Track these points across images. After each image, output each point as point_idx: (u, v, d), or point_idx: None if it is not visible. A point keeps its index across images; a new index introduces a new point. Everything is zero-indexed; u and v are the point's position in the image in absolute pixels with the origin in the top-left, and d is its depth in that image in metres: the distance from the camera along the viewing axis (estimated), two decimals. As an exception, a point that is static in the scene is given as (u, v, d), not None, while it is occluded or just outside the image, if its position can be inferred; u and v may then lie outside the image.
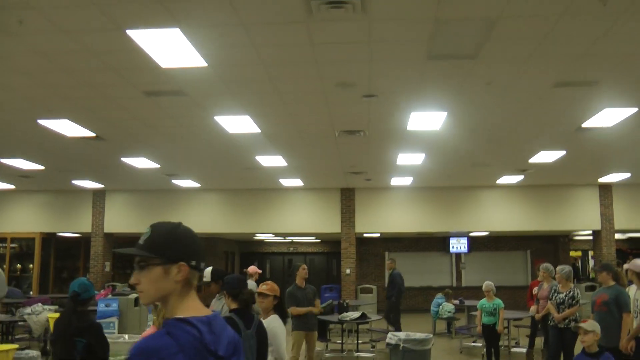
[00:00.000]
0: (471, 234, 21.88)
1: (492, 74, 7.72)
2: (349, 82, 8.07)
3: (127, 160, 13.53)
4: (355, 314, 12.09)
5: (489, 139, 11.52)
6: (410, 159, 13.44)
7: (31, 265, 18.92)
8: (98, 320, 10.29)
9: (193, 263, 2.02)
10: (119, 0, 5.56)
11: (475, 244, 23.99)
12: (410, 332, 8.42)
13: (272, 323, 5.14)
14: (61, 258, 21.17)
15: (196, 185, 17.57)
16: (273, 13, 5.87)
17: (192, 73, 7.56)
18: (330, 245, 25.97)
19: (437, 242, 24.08)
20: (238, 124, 10.18)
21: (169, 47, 6.66)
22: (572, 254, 25.48)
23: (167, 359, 1.82)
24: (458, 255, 24.17)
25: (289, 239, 26.71)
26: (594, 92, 8.50)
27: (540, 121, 10.17)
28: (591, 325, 5.73)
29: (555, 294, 9.22)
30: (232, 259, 27.23)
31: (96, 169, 14.93)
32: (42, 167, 14.48)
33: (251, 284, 12.82)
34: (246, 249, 28.54)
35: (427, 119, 9.97)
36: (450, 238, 23.55)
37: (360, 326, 14.85)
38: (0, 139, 11.50)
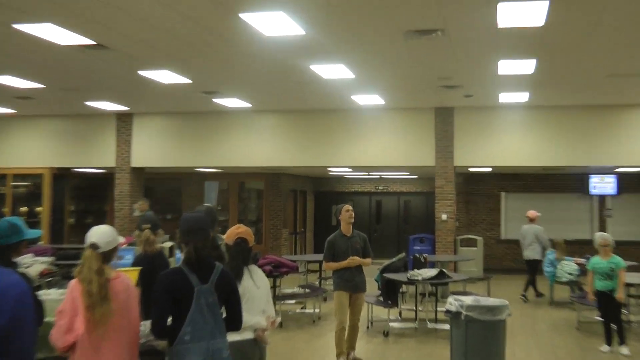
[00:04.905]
0: (619, 170, 21.16)
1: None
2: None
3: (146, 74, 13.83)
4: (430, 272, 12.08)
5: (618, 38, 10.98)
6: (516, 67, 13.02)
7: (40, 209, 19.84)
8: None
9: None
10: None
11: (626, 183, 23.27)
12: (482, 295, 8.37)
13: None
14: (83, 200, 22.08)
15: (246, 105, 17.79)
16: None
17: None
18: (431, 183, 25.81)
19: (573, 181, 23.60)
20: (272, 23, 10.14)
21: None
22: None
23: None
24: (602, 198, 23.58)
25: (375, 175, 26.79)
26: None
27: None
28: None
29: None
30: (303, 199, 27.64)
31: (112, 86, 15.40)
32: (42, 86, 15.05)
33: (535, 228, 16.44)
34: (322, 187, 28.88)
35: (523, 11, 9.57)
36: (591, 175, 22.95)
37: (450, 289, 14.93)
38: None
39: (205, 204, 9.36)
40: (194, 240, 4.93)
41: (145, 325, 5.35)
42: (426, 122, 18.00)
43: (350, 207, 9.97)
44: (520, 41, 11.16)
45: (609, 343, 11.03)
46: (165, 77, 14.13)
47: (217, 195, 25.73)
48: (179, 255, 7.40)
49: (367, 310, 12.39)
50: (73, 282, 4.88)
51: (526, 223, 17.28)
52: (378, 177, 27.56)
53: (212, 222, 7.10)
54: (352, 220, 9.92)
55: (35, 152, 19.90)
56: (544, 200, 23.60)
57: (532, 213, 17.31)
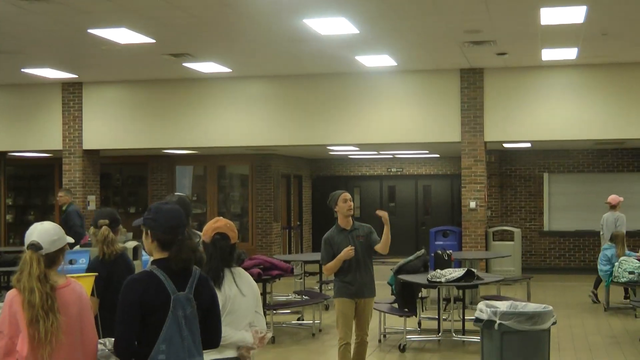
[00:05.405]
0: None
1: None
2: None
3: (98, 32, 13.78)
4: (455, 273, 12.08)
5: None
6: (562, 15, 13.01)
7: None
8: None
9: None
10: None
11: None
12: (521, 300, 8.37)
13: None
14: (23, 192, 22.05)
15: (225, 70, 17.81)
16: None
17: None
18: (456, 163, 25.80)
19: (634, 159, 23.56)
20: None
21: None
22: None
23: None
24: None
25: (387, 154, 26.81)
26: None
27: None
28: None
29: None
30: (298, 186, 27.69)
31: (55, 48, 15.40)
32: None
33: (617, 216, 16.95)
34: (321, 171, 28.84)
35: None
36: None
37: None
38: None
39: (177, 193, 9.35)
40: (180, 241, 4.80)
41: (106, 344, 5.32)
42: (449, 87, 18.00)
43: (349, 196, 9.67)
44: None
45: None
46: (122, 35, 14.09)
47: (191, 183, 25.74)
48: (146, 257, 7.36)
49: (378, 320, 12.44)
50: (11, 293, 4.82)
51: (607, 210, 17.40)
52: (391, 157, 27.49)
53: (186, 216, 7.03)
54: (352, 213, 9.70)
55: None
56: (597, 183, 23.44)
57: (613, 198, 17.27)
